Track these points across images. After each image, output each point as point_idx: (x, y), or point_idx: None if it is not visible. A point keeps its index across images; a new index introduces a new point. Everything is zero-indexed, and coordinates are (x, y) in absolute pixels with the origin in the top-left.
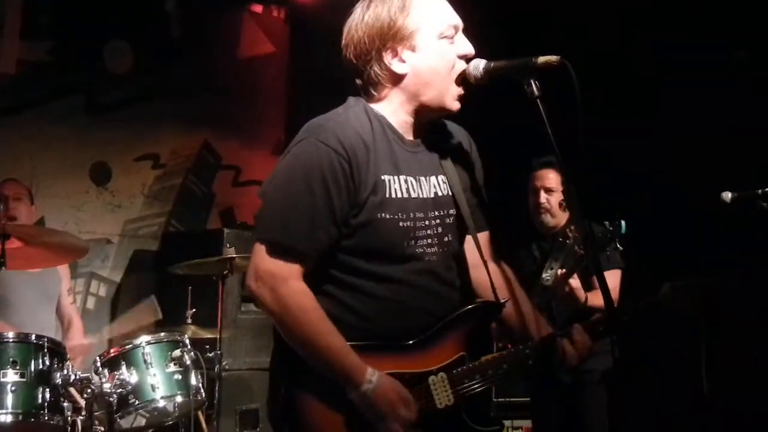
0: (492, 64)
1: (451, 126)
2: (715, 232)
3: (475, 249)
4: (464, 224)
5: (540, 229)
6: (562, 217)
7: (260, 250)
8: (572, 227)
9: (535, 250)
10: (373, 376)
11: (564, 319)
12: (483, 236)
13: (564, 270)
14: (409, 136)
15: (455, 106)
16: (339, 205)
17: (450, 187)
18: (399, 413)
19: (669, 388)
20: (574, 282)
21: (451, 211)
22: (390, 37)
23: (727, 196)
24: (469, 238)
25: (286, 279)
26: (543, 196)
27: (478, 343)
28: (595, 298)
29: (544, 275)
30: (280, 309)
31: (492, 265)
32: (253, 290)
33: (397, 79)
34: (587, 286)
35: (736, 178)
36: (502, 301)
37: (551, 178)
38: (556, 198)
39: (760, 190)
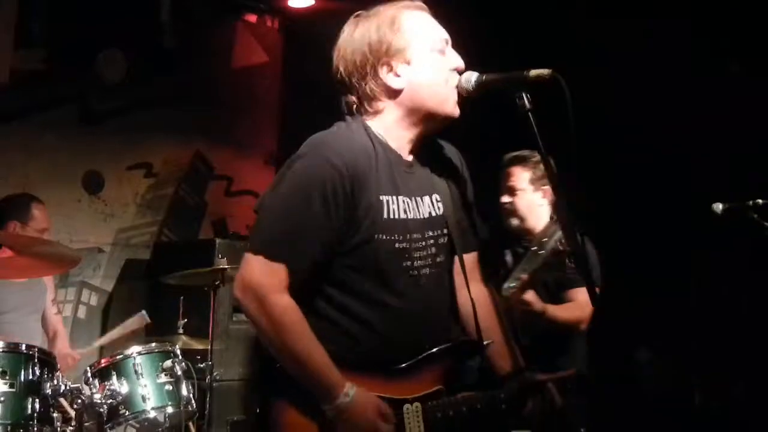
0: (484, 77)
1: (443, 144)
2: (708, 243)
3: (461, 271)
4: (453, 243)
5: (512, 234)
6: (534, 221)
7: (251, 260)
8: (562, 240)
9: (507, 255)
10: (351, 389)
11: (532, 335)
12: (470, 257)
13: (523, 283)
14: (406, 154)
15: (456, 111)
16: (336, 222)
17: (443, 206)
18: (379, 427)
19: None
20: (528, 296)
21: (444, 231)
22: (383, 52)
23: (718, 207)
24: (456, 260)
25: (273, 291)
26: (506, 197)
27: (457, 380)
28: (560, 312)
29: (504, 285)
30: (265, 319)
31: (477, 292)
32: (239, 299)
33: (393, 93)
34: (558, 300)
35: (729, 190)
36: (485, 343)
37: (516, 176)
38: (524, 199)
39: (750, 202)
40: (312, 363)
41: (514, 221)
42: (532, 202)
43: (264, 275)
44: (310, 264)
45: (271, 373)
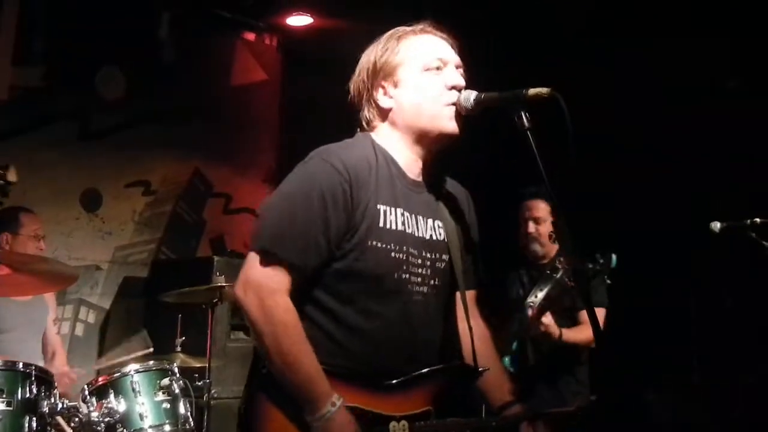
0: (483, 96)
1: (453, 183)
2: (707, 261)
3: (462, 304)
4: (454, 275)
5: (530, 258)
6: (551, 248)
7: (253, 259)
8: (561, 259)
9: (523, 276)
10: (338, 401)
11: (542, 356)
12: (470, 294)
13: (541, 305)
14: (413, 174)
15: (452, 126)
16: (335, 223)
17: (446, 235)
18: None
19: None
20: (546, 319)
21: (444, 257)
22: (376, 75)
23: (716, 225)
24: (456, 294)
25: (274, 291)
26: (532, 226)
27: (447, 402)
28: (573, 334)
29: (528, 300)
30: (263, 320)
31: (476, 326)
32: (239, 298)
33: (384, 113)
34: (571, 321)
35: (726, 208)
36: (481, 369)
37: (540, 207)
38: (546, 228)
39: (748, 220)
40: (302, 369)
41: (538, 247)
42: (550, 233)
43: (265, 275)
44: (309, 262)
45: (258, 372)
